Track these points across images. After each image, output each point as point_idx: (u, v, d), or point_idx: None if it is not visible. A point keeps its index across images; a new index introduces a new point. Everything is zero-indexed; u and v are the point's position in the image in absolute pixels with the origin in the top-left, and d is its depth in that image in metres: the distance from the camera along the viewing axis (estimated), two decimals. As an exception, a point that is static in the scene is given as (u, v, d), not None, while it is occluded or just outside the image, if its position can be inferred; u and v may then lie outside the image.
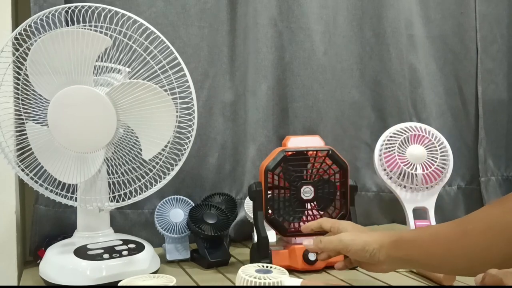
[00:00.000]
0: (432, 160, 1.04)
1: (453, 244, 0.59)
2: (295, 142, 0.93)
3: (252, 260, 0.95)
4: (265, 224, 1.10)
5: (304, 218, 0.92)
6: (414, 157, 1.04)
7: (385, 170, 1.05)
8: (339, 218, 0.92)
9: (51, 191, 0.85)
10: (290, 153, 0.90)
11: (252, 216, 1.09)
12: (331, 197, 0.93)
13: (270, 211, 0.91)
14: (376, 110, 1.35)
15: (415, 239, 0.65)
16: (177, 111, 0.83)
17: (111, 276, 0.81)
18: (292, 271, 0.91)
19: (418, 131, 1.06)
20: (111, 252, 0.84)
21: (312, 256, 0.90)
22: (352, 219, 0.92)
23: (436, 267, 0.65)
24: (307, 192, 0.91)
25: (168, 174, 0.86)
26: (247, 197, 1.12)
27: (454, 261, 0.60)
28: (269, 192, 0.91)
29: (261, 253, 0.89)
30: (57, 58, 0.78)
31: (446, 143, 1.06)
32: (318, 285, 0.76)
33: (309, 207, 0.93)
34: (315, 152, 0.91)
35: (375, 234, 0.71)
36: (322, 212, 0.93)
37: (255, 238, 1.09)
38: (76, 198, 0.87)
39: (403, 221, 1.06)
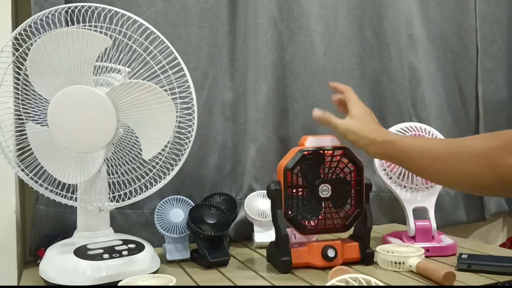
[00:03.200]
0: (432, 160, 1.04)
1: (440, 162, 0.70)
2: (312, 142, 0.94)
3: (269, 258, 0.95)
4: (260, 224, 1.11)
5: (322, 216, 0.93)
6: (414, 157, 1.04)
7: (385, 170, 1.05)
8: (355, 216, 0.94)
9: (51, 191, 0.85)
10: (307, 152, 0.91)
11: (252, 216, 1.09)
12: (347, 195, 0.94)
13: (289, 210, 0.92)
14: (376, 110, 1.35)
15: (407, 147, 0.76)
16: (177, 111, 0.83)
17: (111, 276, 0.81)
18: (311, 268, 0.92)
19: (418, 131, 1.06)
20: (111, 252, 0.84)
21: (331, 253, 0.91)
22: (367, 217, 0.95)
23: (416, 172, 0.81)
24: (324, 190, 0.92)
25: (168, 174, 0.86)
26: (247, 197, 1.12)
27: (436, 175, 0.73)
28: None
29: (281, 251, 0.90)
30: (57, 58, 0.78)
31: (446, 143, 1.06)
32: None
33: (325, 205, 0.94)
34: (331, 151, 0.92)
35: (372, 130, 0.83)
36: (338, 210, 0.94)
37: (255, 238, 1.09)
38: (76, 198, 0.87)
39: (403, 221, 1.06)
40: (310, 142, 0.94)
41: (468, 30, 1.46)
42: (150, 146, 0.84)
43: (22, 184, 1.00)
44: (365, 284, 0.65)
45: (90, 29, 0.78)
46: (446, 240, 1.03)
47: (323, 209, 0.94)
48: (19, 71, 0.81)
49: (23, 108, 0.83)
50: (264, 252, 1.00)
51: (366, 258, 0.94)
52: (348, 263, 0.94)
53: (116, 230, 0.92)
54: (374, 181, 1.29)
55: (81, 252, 0.83)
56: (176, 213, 1.01)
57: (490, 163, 0.64)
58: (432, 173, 0.73)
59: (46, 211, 1.00)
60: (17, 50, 0.80)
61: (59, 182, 0.83)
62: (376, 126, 0.85)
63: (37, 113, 0.83)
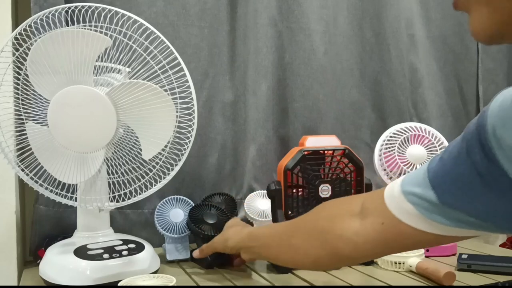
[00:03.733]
0: (432, 160, 1.04)
1: (283, 242, 0.71)
2: (313, 142, 0.94)
3: None
4: (260, 224, 1.11)
5: None
6: (414, 157, 1.04)
7: (385, 170, 1.05)
8: None
9: (51, 191, 0.85)
10: (307, 152, 0.92)
11: (252, 216, 1.09)
12: (348, 195, 0.94)
13: (289, 210, 0.92)
14: (376, 110, 1.35)
15: (260, 234, 0.78)
16: (177, 111, 0.83)
17: (111, 276, 0.81)
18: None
19: (418, 131, 1.06)
20: (111, 252, 0.84)
21: None
22: None
23: (273, 259, 0.80)
24: (324, 190, 0.92)
25: (168, 174, 0.86)
26: (247, 197, 1.12)
27: (284, 256, 0.72)
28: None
29: None
30: (57, 58, 0.78)
31: (446, 143, 1.06)
32: None
33: None
34: (332, 152, 0.92)
35: (237, 230, 0.84)
36: None
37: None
38: (76, 198, 0.87)
39: (403, 221, 1.06)
40: (310, 142, 0.94)
41: (469, 30, 1.46)
42: (150, 146, 0.83)
43: (22, 184, 1.00)
44: None
45: (90, 29, 0.78)
46: (446, 240, 1.03)
47: None
48: (19, 71, 0.81)
49: (23, 108, 0.83)
50: (264, 252, 1.00)
51: None
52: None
53: (116, 230, 0.92)
54: (374, 181, 1.29)
55: (81, 252, 0.83)
56: (176, 213, 1.01)
57: (319, 236, 0.66)
58: (280, 254, 0.72)
59: (46, 211, 1.00)
60: (17, 50, 0.80)
61: (59, 182, 0.83)
62: (234, 229, 0.85)
63: (37, 113, 0.83)
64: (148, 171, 0.86)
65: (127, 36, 0.79)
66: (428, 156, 1.04)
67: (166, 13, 1.11)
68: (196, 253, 0.92)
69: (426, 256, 0.94)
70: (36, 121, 0.83)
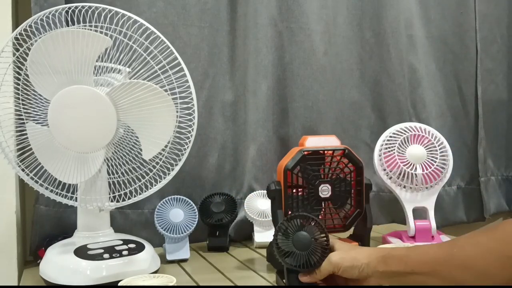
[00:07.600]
0: (431, 160, 1.04)
1: (439, 265, 0.63)
2: (312, 142, 0.94)
3: (269, 258, 0.95)
4: (260, 224, 1.11)
5: (322, 216, 0.93)
6: (414, 157, 1.04)
7: (385, 170, 1.05)
8: (354, 216, 0.94)
9: (51, 191, 0.85)
10: (307, 152, 0.92)
11: (252, 216, 1.10)
12: (347, 195, 0.94)
13: (289, 210, 0.92)
14: (376, 110, 1.36)
15: (403, 256, 0.66)
16: (177, 111, 0.83)
17: (111, 276, 0.81)
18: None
19: (418, 131, 1.07)
20: (111, 252, 0.84)
21: None
22: (367, 216, 0.94)
23: (420, 283, 0.66)
24: (324, 190, 0.92)
25: (168, 174, 0.86)
26: (247, 197, 1.13)
27: (437, 280, 0.63)
28: None
29: None
30: (58, 58, 0.78)
31: (445, 143, 1.06)
32: None
33: (325, 205, 0.94)
34: (332, 152, 0.93)
35: (363, 250, 0.72)
36: (338, 210, 0.94)
37: (256, 238, 1.09)
38: (76, 198, 0.87)
39: (403, 221, 1.06)
40: (310, 142, 0.94)
41: (468, 30, 1.46)
42: (150, 146, 0.84)
43: (22, 184, 1.00)
44: None
45: (91, 29, 0.78)
46: (446, 240, 1.04)
47: (323, 209, 0.94)
48: (20, 71, 0.81)
49: (23, 108, 0.83)
50: (264, 252, 1.00)
51: None
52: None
53: (116, 230, 0.92)
54: (374, 181, 1.29)
55: (81, 252, 0.83)
56: (176, 213, 1.01)
57: (499, 258, 0.59)
58: (434, 279, 0.63)
59: (47, 211, 1.00)
60: (17, 50, 0.80)
61: (59, 182, 0.83)
62: (358, 250, 0.72)
63: (38, 113, 0.83)
64: (148, 171, 0.86)
65: (127, 36, 0.79)
66: (427, 156, 1.04)
67: (166, 13, 1.11)
68: (305, 278, 0.73)
69: (425, 256, 0.94)
70: (36, 121, 0.83)
